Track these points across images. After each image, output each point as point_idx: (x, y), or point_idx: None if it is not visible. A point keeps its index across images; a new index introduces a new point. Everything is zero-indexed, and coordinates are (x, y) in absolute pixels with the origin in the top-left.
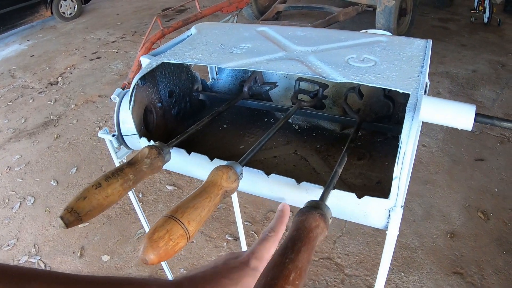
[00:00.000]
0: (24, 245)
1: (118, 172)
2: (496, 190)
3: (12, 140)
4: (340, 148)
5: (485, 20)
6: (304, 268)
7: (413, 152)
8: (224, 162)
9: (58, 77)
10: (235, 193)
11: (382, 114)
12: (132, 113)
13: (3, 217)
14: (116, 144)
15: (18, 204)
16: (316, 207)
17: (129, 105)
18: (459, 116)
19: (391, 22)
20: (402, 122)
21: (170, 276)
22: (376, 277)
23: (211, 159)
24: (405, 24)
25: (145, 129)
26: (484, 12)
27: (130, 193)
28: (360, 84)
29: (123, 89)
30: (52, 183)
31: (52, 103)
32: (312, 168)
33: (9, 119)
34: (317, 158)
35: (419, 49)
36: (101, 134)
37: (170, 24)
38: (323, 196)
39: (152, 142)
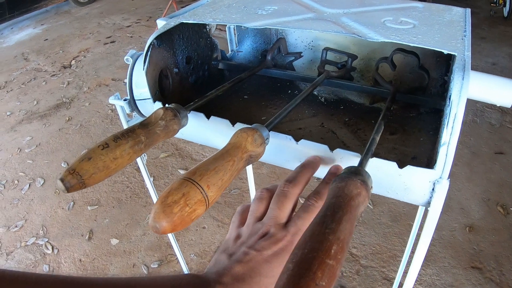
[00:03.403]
0: (32, 227)
1: (128, 132)
2: None
3: (23, 122)
4: (371, 122)
5: (505, 13)
6: (346, 241)
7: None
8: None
9: (71, 61)
10: (251, 175)
11: (415, 86)
12: (146, 75)
13: (12, 198)
14: (127, 110)
15: (28, 185)
16: (357, 173)
17: (144, 66)
18: (499, 91)
19: None
20: (436, 96)
21: (182, 261)
22: (392, 269)
23: (233, 124)
24: None
25: (160, 95)
26: (504, 5)
27: (143, 171)
28: (394, 54)
29: None
30: (62, 165)
31: (64, 85)
32: (341, 142)
33: (21, 101)
34: (346, 131)
35: (458, 15)
36: (112, 100)
37: None
38: (362, 163)
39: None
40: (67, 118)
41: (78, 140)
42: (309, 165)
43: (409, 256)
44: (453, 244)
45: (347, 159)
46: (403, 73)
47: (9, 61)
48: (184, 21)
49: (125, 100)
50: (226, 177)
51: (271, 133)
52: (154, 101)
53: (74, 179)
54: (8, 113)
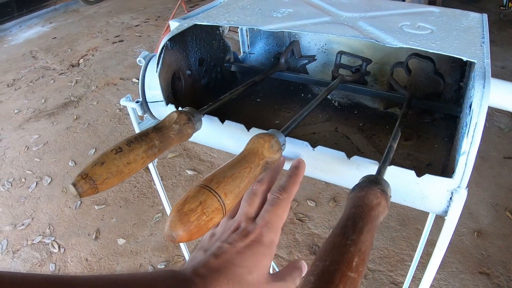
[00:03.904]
0: (39, 225)
1: (142, 136)
2: None
3: (31, 120)
4: (385, 127)
5: None
6: (367, 252)
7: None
8: (262, 131)
9: (79, 59)
10: None
11: (429, 92)
12: (159, 77)
13: (19, 196)
14: (139, 112)
15: (35, 183)
16: (376, 182)
17: (157, 68)
18: None
19: None
20: (451, 101)
21: None
22: (400, 273)
23: (248, 128)
24: None
25: (172, 97)
26: None
27: (153, 171)
28: (409, 58)
29: None
30: (70, 163)
31: (73, 84)
32: (355, 147)
33: (29, 99)
34: (360, 137)
35: (475, 21)
36: (123, 102)
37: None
38: (380, 171)
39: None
40: (75, 117)
41: (86, 139)
42: (274, 166)
43: (418, 261)
44: (461, 249)
45: (365, 167)
46: (417, 78)
47: (17, 59)
48: (198, 23)
49: (137, 102)
50: (243, 185)
51: (287, 139)
52: (167, 104)
53: (87, 184)
54: (16, 111)
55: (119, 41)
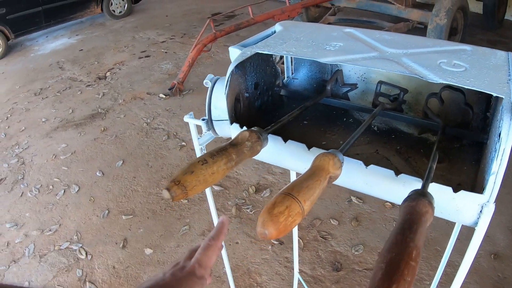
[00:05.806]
0: (66, 232)
1: (222, 151)
2: None
3: (58, 129)
4: (420, 151)
5: None
6: (421, 248)
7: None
8: (322, 151)
9: (106, 72)
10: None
11: (459, 120)
12: (226, 99)
13: (47, 203)
14: (204, 129)
15: (62, 191)
16: (423, 195)
17: (225, 90)
18: None
19: None
20: (477, 129)
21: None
22: None
23: (309, 148)
24: None
25: (234, 117)
26: None
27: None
28: (442, 90)
29: (171, 88)
30: (97, 173)
31: (100, 96)
32: (395, 168)
33: (57, 109)
34: (398, 159)
35: (502, 59)
36: (187, 118)
37: (220, 28)
38: (425, 186)
39: (244, 128)
40: (102, 128)
41: (113, 151)
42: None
43: (438, 281)
44: (478, 270)
45: (409, 183)
46: (449, 107)
47: (44, 68)
48: (260, 51)
49: (203, 120)
50: (316, 194)
51: (344, 157)
52: (231, 123)
53: (179, 189)
54: (43, 120)
55: (145, 57)
